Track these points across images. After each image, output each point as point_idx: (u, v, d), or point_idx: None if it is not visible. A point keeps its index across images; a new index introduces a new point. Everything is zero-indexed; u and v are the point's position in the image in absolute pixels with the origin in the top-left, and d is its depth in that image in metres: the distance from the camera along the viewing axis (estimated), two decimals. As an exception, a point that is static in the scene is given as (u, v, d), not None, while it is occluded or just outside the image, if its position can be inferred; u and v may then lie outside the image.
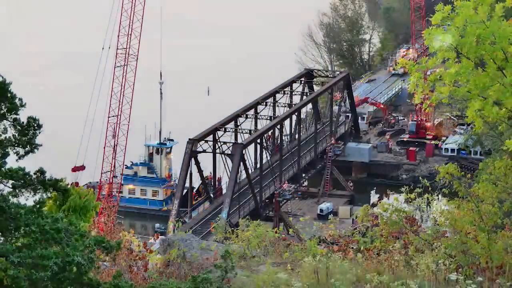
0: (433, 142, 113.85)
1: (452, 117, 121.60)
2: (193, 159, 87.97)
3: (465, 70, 22.80)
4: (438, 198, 26.58)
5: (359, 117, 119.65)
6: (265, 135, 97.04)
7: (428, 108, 27.07)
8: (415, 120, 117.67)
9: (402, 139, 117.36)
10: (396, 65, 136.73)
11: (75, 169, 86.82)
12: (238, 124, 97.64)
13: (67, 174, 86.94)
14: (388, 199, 76.97)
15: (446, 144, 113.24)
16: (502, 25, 22.63)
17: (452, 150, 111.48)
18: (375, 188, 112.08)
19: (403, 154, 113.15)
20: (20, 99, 18.09)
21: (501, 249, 22.40)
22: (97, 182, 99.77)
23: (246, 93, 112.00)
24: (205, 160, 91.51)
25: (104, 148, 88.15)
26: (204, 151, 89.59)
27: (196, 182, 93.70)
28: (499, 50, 22.56)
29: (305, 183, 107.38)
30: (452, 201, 24.56)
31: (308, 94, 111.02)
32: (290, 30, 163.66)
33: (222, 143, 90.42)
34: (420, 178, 28.24)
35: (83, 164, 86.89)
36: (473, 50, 22.66)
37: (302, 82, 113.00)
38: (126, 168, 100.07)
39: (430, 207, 27.03)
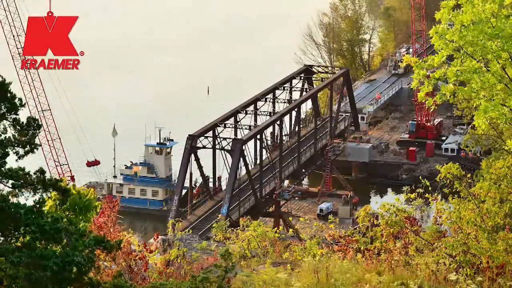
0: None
1: (452, 117, 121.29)
2: (192, 155, 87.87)
3: (469, 69, 22.67)
4: (439, 198, 26.45)
5: (359, 117, 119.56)
6: (265, 137, 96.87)
7: (432, 106, 26.47)
8: (415, 120, 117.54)
9: (402, 139, 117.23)
10: (396, 64, 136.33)
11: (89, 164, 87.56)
12: (238, 120, 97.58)
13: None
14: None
15: (446, 144, 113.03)
16: (508, 24, 22.44)
17: (452, 150, 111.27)
18: (374, 187, 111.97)
19: (403, 154, 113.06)
20: (20, 99, 18.05)
21: (502, 249, 22.36)
22: (97, 181, 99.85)
23: (246, 89, 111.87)
24: (205, 156, 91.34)
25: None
26: (203, 147, 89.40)
27: (197, 181, 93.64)
28: (503, 50, 22.40)
29: (305, 179, 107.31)
30: (453, 200, 24.49)
31: (307, 90, 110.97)
32: (290, 30, 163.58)
33: (221, 139, 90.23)
34: (420, 178, 28.09)
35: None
36: (478, 49, 22.50)
37: (302, 78, 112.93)
38: (126, 168, 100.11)
39: (430, 207, 26.95)
